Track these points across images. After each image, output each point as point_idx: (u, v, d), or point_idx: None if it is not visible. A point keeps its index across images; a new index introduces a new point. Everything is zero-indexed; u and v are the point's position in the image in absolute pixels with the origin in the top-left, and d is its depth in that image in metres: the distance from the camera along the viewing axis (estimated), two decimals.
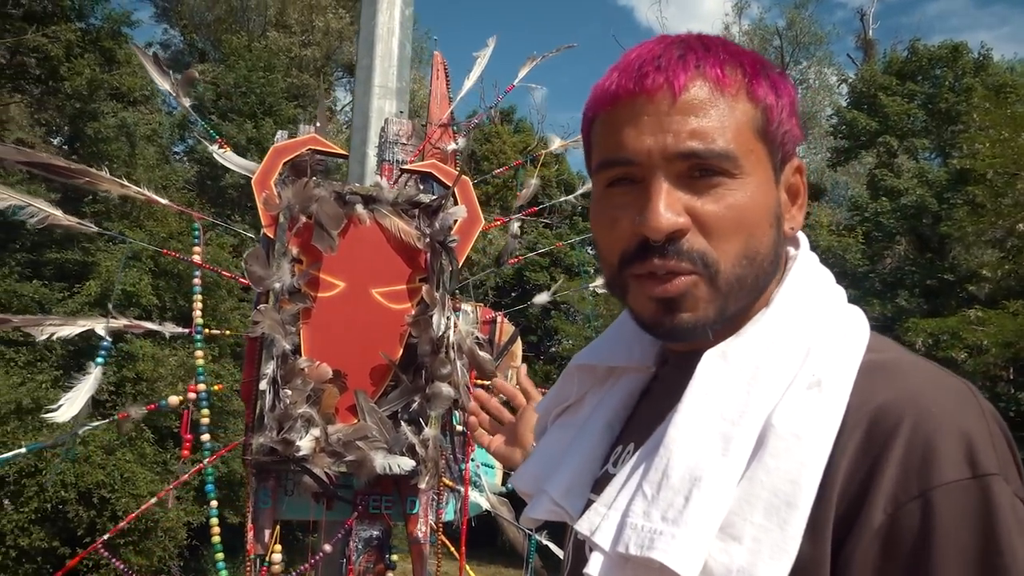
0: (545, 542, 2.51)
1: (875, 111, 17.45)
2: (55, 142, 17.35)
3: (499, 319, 2.60)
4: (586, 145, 0.94)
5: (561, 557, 2.46)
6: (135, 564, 13.43)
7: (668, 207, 0.80)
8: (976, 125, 12.42)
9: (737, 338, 0.85)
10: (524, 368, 1.48)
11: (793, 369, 0.80)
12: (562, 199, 3.16)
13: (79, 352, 14.55)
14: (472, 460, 2.45)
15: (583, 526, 0.86)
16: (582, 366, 1.07)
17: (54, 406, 2.00)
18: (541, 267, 19.67)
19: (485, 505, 2.50)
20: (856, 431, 0.74)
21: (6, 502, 13.65)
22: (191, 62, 21.66)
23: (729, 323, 0.86)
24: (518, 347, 2.60)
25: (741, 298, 0.85)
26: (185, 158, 19.40)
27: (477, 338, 2.45)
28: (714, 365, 0.83)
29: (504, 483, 2.59)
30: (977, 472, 0.68)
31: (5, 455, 2.08)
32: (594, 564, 0.81)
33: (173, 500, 2.20)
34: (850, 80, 19.67)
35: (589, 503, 0.92)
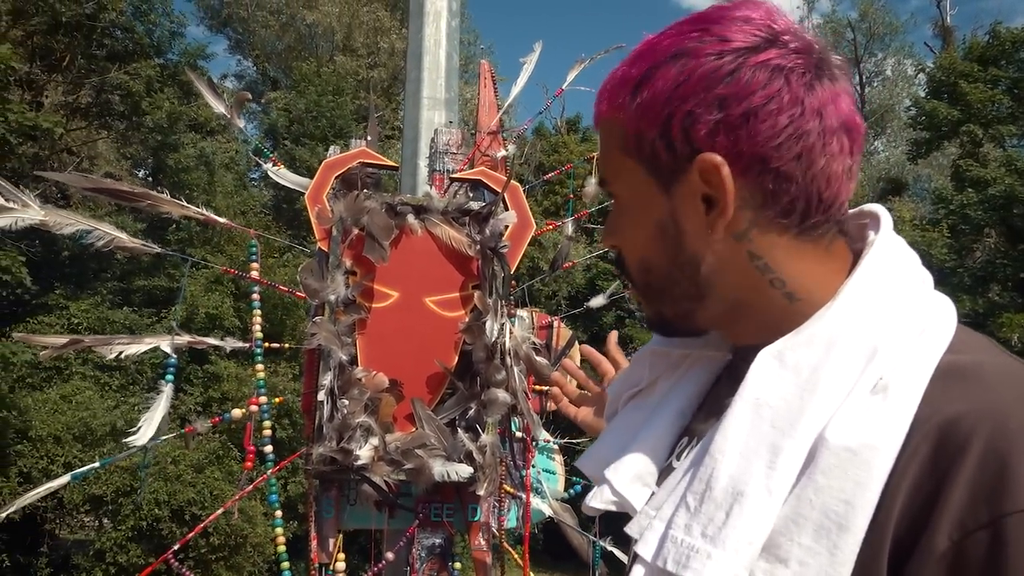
0: (610, 548, 2.47)
1: (956, 100, 16.80)
2: (140, 174, 18.15)
3: (556, 324, 2.58)
4: None
5: (626, 562, 2.41)
6: None
7: (605, 228, 0.92)
8: None
9: (795, 336, 0.78)
10: (615, 335, 1.44)
11: (856, 372, 0.74)
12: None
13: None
14: (533, 467, 2.44)
15: (633, 529, 0.84)
16: (655, 351, 1.02)
17: (133, 430, 2.08)
18: (614, 275, 19.55)
19: (548, 512, 2.48)
20: (922, 447, 0.67)
21: (105, 520, 14.27)
22: (264, 90, 22.41)
23: (741, 319, 0.86)
24: (576, 352, 2.57)
25: (666, 301, 0.89)
26: (261, 183, 20.03)
27: (534, 343, 2.44)
28: (768, 367, 0.78)
29: (566, 489, 2.56)
30: None
31: (80, 470, 2.17)
32: (636, 574, 0.80)
33: (237, 512, 2.24)
34: (928, 69, 18.97)
35: (652, 496, 0.89)
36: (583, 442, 2.69)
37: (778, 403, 0.74)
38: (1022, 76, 15.94)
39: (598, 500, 0.95)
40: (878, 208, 0.88)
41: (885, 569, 0.66)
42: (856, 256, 0.83)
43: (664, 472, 0.91)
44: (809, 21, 25.63)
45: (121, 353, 2.14)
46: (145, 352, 2.18)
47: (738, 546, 0.70)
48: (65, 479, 2.07)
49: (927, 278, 0.82)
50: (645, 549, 0.78)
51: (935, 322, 0.76)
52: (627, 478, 0.92)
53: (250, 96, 2.92)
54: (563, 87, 2.78)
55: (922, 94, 19.37)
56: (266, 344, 2.32)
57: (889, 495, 0.66)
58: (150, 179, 17.68)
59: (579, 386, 1.53)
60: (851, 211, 0.88)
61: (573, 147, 21.54)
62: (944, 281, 14.70)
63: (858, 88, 24.89)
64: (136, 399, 14.32)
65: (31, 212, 2.06)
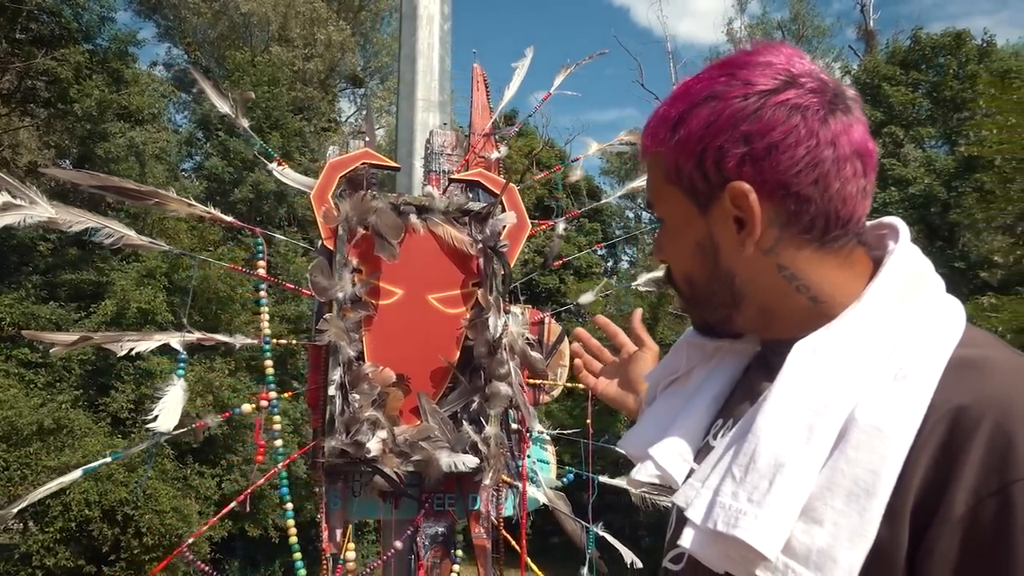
0: (602, 533, 2.59)
1: (879, 102, 17.53)
2: (64, 164, 17.49)
3: (547, 320, 2.69)
4: None
5: (618, 547, 2.53)
6: None
7: (654, 245, 1.09)
8: (982, 112, 12.46)
9: (826, 330, 0.91)
10: (639, 312, 1.54)
11: (879, 363, 0.86)
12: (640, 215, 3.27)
13: (97, 371, 14.69)
14: (528, 456, 2.54)
15: (680, 499, 0.95)
16: (692, 342, 1.15)
17: (151, 418, 2.09)
18: (551, 271, 19.77)
19: (543, 499, 2.59)
20: (938, 427, 0.79)
21: (30, 523, 13.77)
22: (195, 79, 21.85)
23: (772, 320, 0.99)
24: (566, 346, 2.68)
25: (707, 309, 1.05)
26: (193, 175, 19.54)
27: (528, 339, 2.54)
28: (803, 357, 0.90)
29: (558, 477, 2.67)
30: None
31: (92, 464, 2.17)
32: (687, 537, 0.89)
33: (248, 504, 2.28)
34: (853, 72, 19.72)
35: (691, 471, 1.01)
36: (573, 433, 2.81)
37: (812, 388, 0.87)
38: (941, 80, 16.72)
39: (643, 474, 1.07)
40: (896, 220, 1.02)
41: (907, 529, 0.78)
42: (876, 262, 0.97)
43: (702, 451, 1.04)
44: (739, 22, 26.32)
45: (132, 349, 2.15)
46: (152, 350, 2.19)
47: (780, 509, 0.81)
48: (77, 474, 2.07)
49: (939, 282, 0.96)
50: (695, 514, 0.89)
51: (947, 320, 0.90)
52: (669, 455, 1.05)
53: (253, 96, 2.91)
54: (550, 91, 2.88)
55: None
56: (274, 340, 2.35)
57: (909, 467, 0.78)
58: (73, 169, 17.08)
59: (594, 354, 1.63)
60: (870, 223, 1.02)
61: (510, 141, 21.61)
62: None
63: None
64: (65, 396, 13.86)
65: (39, 209, 2.06)
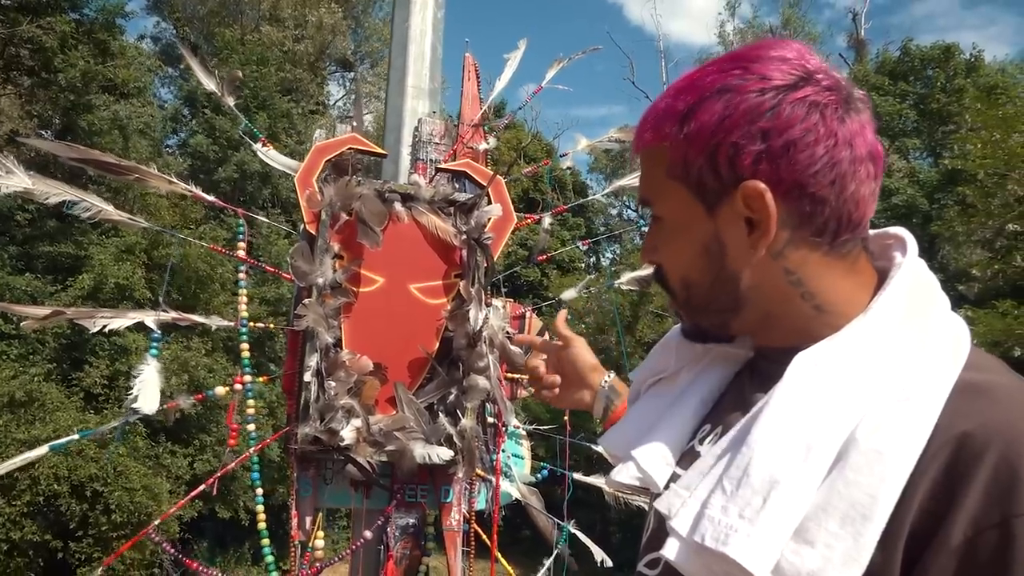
0: (574, 530, 2.58)
1: None
2: (47, 135, 17.25)
3: (528, 314, 2.68)
4: None
5: (589, 545, 2.52)
6: (127, 558, 13.42)
7: (644, 245, 1.03)
8: (967, 126, 12.58)
9: (829, 343, 0.87)
10: (563, 313, 1.52)
11: (882, 382, 0.82)
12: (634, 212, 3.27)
13: (72, 345, 14.53)
14: (503, 451, 2.53)
15: (662, 505, 0.91)
16: (682, 342, 1.11)
17: (132, 399, 2.06)
18: (535, 265, 19.78)
19: (516, 495, 2.58)
20: (940, 453, 0.76)
21: None
22: (182, 55, 21.61)
23: (772, 327, 0.95)
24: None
25: (704, 313, 1.00)
26: (177, 152, 19.34)
27: (508, 332, 2.52)
28: (805, 370, 0.86)
29: (533, 473, 2.66)
30: None
31: (59, 441, 2.13)
32: (670, 548, 0.86)
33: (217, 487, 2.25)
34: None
35: (674, 475, 0.98)
36: (549, 428, 2.80)
37: (812, 403, 0.83)
38: (928, 92, 16.84)
39: (624, 475, 1.03)
40: (903, 232, 0.98)
41: (900, 555, 0.76)
42: (881, 273, 0.94)
43: (687, 455, 1.00)
44: (732, 25, 26.38)
45: (105, 327, 2.11)
46: (128, 326, 2.15)
47: (773, 528, 0.78)
48: (43, 450, 2.03)
49: (945, 300, 0.92)
50: (680, 525, 0.85)
51: (953, 341, 0.86)
52: (651, 457, 1.01)
53: (241, 75, 2.85)
54: (542, 84, 2.86)
55: None
56: (251, 324, 2.33)
57: (909, 492, 0.76)
58: (56, 140, 16.85)
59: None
60: (874, 232, 0.98)
61: (499, 133, 21.56)
62: None
63: None
64: (38, 369, 13.70)
65: (15, 179, 2.01)
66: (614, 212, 29.26)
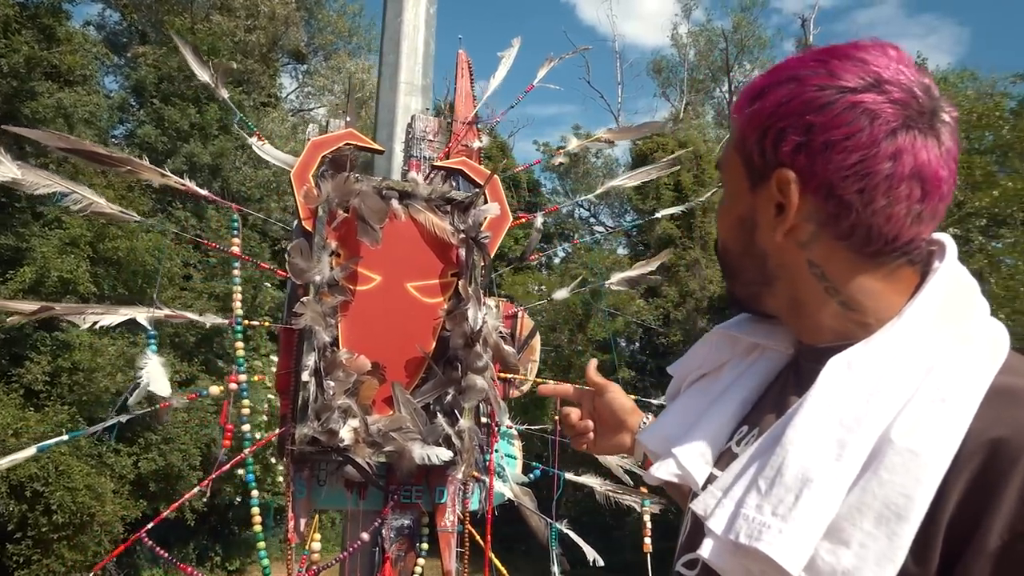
0: (566, 530, 2.59)
1: None
2: None
3: (520, 314, 2.67)
4: None
5: (581, 545, 2.52)
6: (68, 559, 13.04)
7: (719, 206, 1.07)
8: None
9: (864, 346, 0.88)
10: (594, 362, 1.49)
11: (915, 383, 0.83)
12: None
13: (10, 341, 14.02)
14: (496, 451, 2.51)
15: (699, 506, 0.92)
16: (726, 334, 1.12)
17: (146, 382, 1.99)
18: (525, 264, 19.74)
19: (509, 495, 2.56)
20: (975, 457, 0.77)
21: None
22: (129, 43, 21.02)
23: (799, 315, 0.97)
24: (536, 342, 2.67)
25: (737, 282, 1.05)
26: (124, 142, 18.81)
27: (501, 332, 2.51)
28: (838, 371, 0.87)
29: (525, 473, 2.65)
30: None
31: (47, 442, 2.05)
32: (706, 547, 0.87)
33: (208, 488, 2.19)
34: None
35: (711, 476, 0.99)
36: (540, 428, 2.80)
37: (846, 404, 0.84)
38: None
39: (664, 472, 1.04)
40: (945, 237, 0.98)
41: (938, 556, 0.77)
42: (921, 278, 0.93)
43: (724, 456, 1.01)
44: (686, 27, 26.73)
45: (96, 323, 2.04)
46: (119, 324, 2.08)
47: (806, 525, 0.79)
48: (31, 451, 1.95)
49: (984, 305, 0.92)
50: (716, 524, 0.86)
51: (990, 344, 0.87)
52: (691, 456, 1.02)
53: (234, 66, 2.75)
54: (533, 84, 2.85)
55: None
56: (245, 321, 2.27)
57: (943, 494, 0.76)
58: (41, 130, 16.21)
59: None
60: None
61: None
62: None
63: (727, 96, 26.19)
64: None
65: (3, 169, 1.93)
66: (564, 211, 29.41)
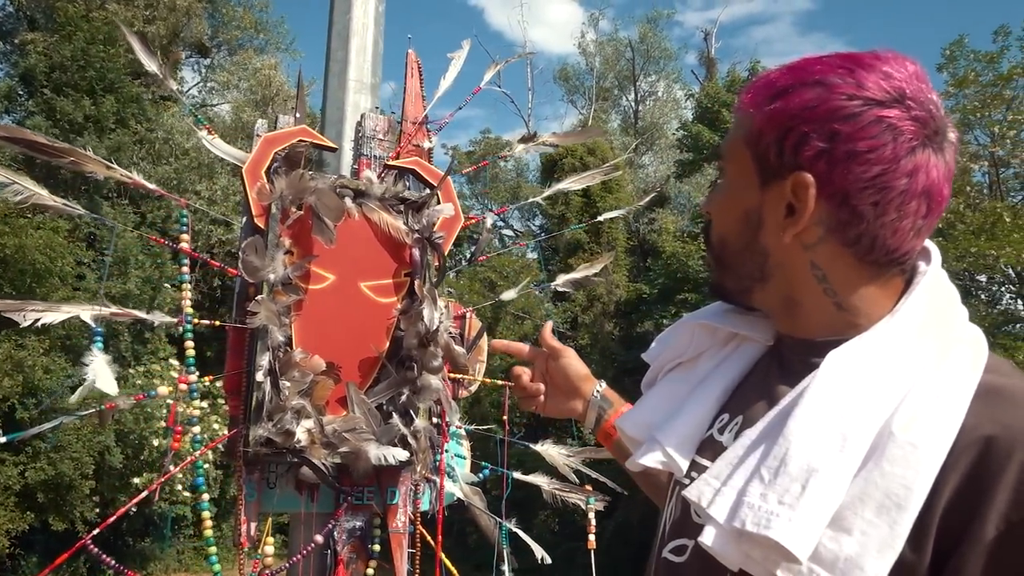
0: (515, 529, 2.61)
1: (717, 126, 18.64)
2: None
3: (468, 315, 2.68)
4: None
5: (529, 543, 2.55)
6: None
7: (707, 197, 1.09)
8: None
9: (860, 341, 0.92)
10: (550, 324, 1.51)
11: (910, 379, 0.87)
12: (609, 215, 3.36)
13: None
14: (446, 451, 2.52)
15: (692, 493, 0.94)
16: (704, 324, 1.14)
17: (92, 380, 1.89)
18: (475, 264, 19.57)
19: (459, 495, 2.57)
20: (968, 451, 0.81)
21: None
22: (17, 29, 19.88)
23: (791, 312, 1.00)
24: (484, 342, 2.68)
25: (731, 274, 1.06)
26: None
27: (451, 332, 2.52)
28: (837, 366, 0.90)
29: (475, 472, 2.66)
30: None
31: (16, 435, 1.94)
32: (708, 535, 0.89)
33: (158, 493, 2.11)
34: (696, 95, 20.91)
35: (693, 463, 1.02)
36: (489, 428, 2.81)
37: (846, 397, 0.88)
38: None
39: (650, 459, 1.06)
40: (929, 243, 1.03)
41: (931, 547, 0.82)
42: (907, 281, 0.98)
43: (706, 443, 1.04)
44: (593, 35, 27.21)
45: (38, 320, 1.94)
46: (62, 321, 1.98)
47: (812, 513, 0.83)
48: None
49: (964, 309, 0.98)
50: (718, 512, 0.89)
51: (974, 345, 0.92)
52: (674, 442, 1.05)
53: (183, 56, 2.63)
54: (480, 86, 2.86)
55: (689, 118, 21.30)
56: (196, 321, 2.20)
57: (938, 486, 0.81)
58: None
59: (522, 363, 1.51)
60: None
61: None
62: (698, 290, 16.27)
63: (633, 105, 26.83)
64: None
65: None
66: (476, 211, 29.44)
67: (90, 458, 14.05)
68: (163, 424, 14.01)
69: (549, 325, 1.49)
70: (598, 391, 1.42)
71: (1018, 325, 14.95)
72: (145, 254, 15.71)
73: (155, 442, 14.33)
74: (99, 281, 15.05)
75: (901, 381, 0.88)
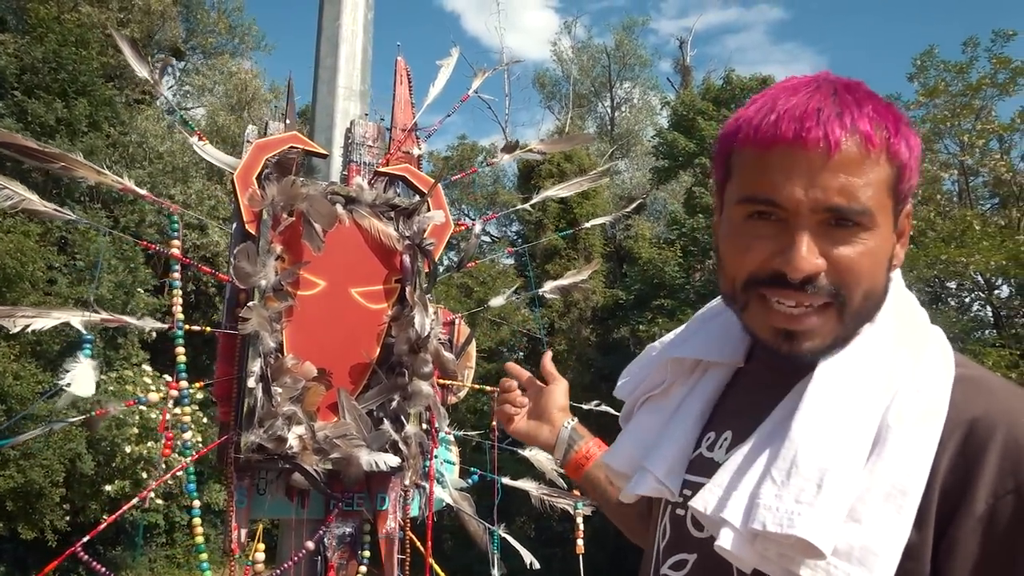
0: (503, 534, 2.62)
1: (693, 134, 18.81)
2: None
3: (458, 321, 2.69)
4: (720, 166, 1.06)
5: (518, 548, 2.56)
6: None
7: (809, 252, 0.92)
8: None
9: (848, 348, 0.97)
10: (549, 354, 1.56)
11: (897, 377, 0.94)
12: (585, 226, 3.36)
13: None
14: (436, 457, 2.52)
15: (698, 503, 0.97)
16: (675, 359, 1.17)
17: (67, 384, 1.88)
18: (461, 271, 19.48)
19: (448, 500, 2.58)
20: (955, 435, 0.88)
21: None
22: None
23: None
24: (472, 348, 2.70)
25: (858, 326, 0.98)
26: None
27: (440, 339, 2.53)
28: (831, 372, 0.96)
29: (464, 478, 2.67)
30: None
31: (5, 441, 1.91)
32: (725, 538, 0.92)
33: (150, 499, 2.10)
34: (671, 103, 21.08)
35: (684, 482, 1.06)
36: (478, 434, 2.83)
37: (843, 398, 0.94)
38: None
39: (644, 488, 1.09)
40: None
41: (933, 528, 0.87)
42: None
43: (697, 461, 1.08)
44: (569, 41, 27.35)
45: (28, 326, 1.92)
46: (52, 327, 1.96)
47: (830, 509, 0.87)
48: None
49: (924, 312, 1.05)
50: (733, 516, 0.92)
51: (942, 343, 1.00)
52: (664, 469, 1.09)
53: (174, 60, 2.62)
54: (468, 93, 2.88)
55: (665, 125, 21.47)
56: (187, 327, 2.19)
57: (934, 469, 0.87)
58: None
59: (520, 387, 1.55)
60: None
61: None
62: (674, 296, 16.39)
63: (609, 112, 26.99)
64: None
65: None
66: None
67: (61, 465, 13.82)
68: (135, 431, 13.85)
69: (549, 354, 1.53)
70: (569, 423, 1.46)
71: (987, 331, 15.25)
72: (118, 259, 15.51)
73: (127, 449, 14.13)
74: (72, 286, 14.86)
75: (890, 380, 0.94)
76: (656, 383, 1.20)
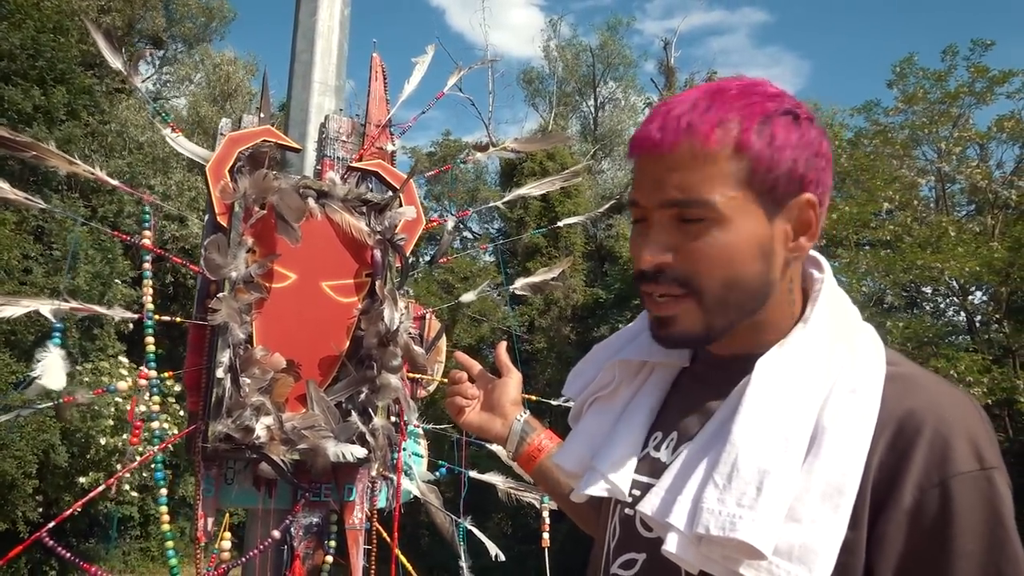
0: (470, 527, 2.65)
1: None
2: None
3: (428, 316, 2.72)
4: None
5: (484, 541, 2.60)
6: None
7: (653, 246, 0.99)
8: None
9: (780, 348, 1.00)
10: (504, 344, 1.55)
11: (832, 377, 0.96)
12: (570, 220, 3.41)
13: None
14: (404, 449, 2.55)
15: (646, 507, 1.00)
16: (622, 361, 1.20)
17: (38, 376, 1.88)
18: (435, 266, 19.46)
19: (415, 492, 2.61)
20: (886, 432, 0.91)
21: None
22: None
23: (749, 333, 1.03)
24: (443, 343, 2.73)
25: (729, 315, 1.00)
26: None
27: (410, 333, 2.56)
28: (767, 373, 0.98)
29: (432, 470, 2.71)
30: (984, 466, 0.87)
31: None
32: (671, 542, 0.95)
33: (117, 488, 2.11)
34: (654, 104, 21.16)
35: (633, 482, 1.09)
36: (447, 427, 2.85)
37: (780, 400, 0.96)
38: None
39: (594, 488, 1.11)
40: (814, 252, 1.10)
41: (867, 517, 0.90)
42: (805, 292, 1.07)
43: (643, 461, 1.11)
44: (555, 41, 27.37)
45: None
46: (21, 316, 1.97)
47: (770, 511, 0.90)
48: None
49: (856, 310, 1.07)
50: (678, 520, 0.95)
51: (874, 342, 1.02)
52: (614, 469, 1.11)
53: (155, 50, 2.63)
54: (444, 91, 2.91)
55: None
56: (157, 316, 2.20)
57: (867, 466, 0.89)
58: None
59: (470, 378, 1.51)
60: None
61: None
62: None
63: (592, 111, 27.05)
64: None
65: None
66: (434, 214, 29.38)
67: (34, 456, 13.69)
68: (111, 422, 13.76)
69: (503, 344, 1.52)
70: (522, 416, 1.46)
71: (960, 336, 15.45)
72: (96, 249, 15.38)
73: (102, 440, 14.03)
74: (48, 276, 14.72)
75: (824, 380, 0.97)
76: (604, 383, 1.22)
